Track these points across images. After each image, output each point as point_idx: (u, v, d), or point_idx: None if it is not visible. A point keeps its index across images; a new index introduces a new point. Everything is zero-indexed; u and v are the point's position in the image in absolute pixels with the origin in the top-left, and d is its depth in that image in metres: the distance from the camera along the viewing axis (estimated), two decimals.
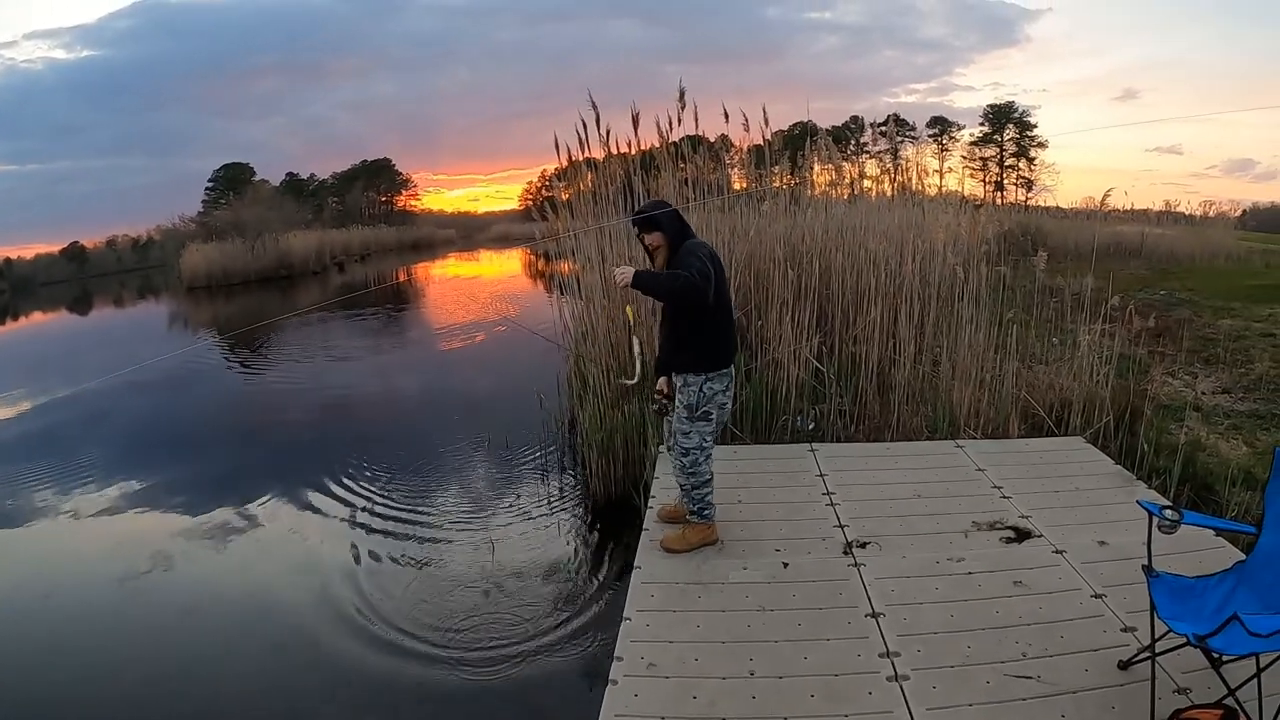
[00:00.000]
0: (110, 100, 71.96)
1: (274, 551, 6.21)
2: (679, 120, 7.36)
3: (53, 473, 8.34)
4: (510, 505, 6.68)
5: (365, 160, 64.85)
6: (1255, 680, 2.57)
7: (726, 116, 7.71)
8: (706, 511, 4.31)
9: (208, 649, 4.79)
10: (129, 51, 75.98)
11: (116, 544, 6.50)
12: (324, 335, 17.55)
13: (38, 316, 30.28)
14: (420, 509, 6.74)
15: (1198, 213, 26.01)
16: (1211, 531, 4.02)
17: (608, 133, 7.31)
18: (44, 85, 69.79)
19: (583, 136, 7.29)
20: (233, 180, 54.77)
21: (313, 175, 63.44)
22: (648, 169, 7.73)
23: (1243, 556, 3.17)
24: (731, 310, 4.36)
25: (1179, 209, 26.53)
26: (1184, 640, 2.67)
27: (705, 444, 4.17)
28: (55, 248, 50.47)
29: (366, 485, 7.31)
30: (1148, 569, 2.96)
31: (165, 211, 70.16)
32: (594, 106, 7.20)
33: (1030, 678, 3.05)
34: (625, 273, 3.89)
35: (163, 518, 7.00)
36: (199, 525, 6.74)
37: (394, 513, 6.69)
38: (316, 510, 6.86)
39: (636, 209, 4.28)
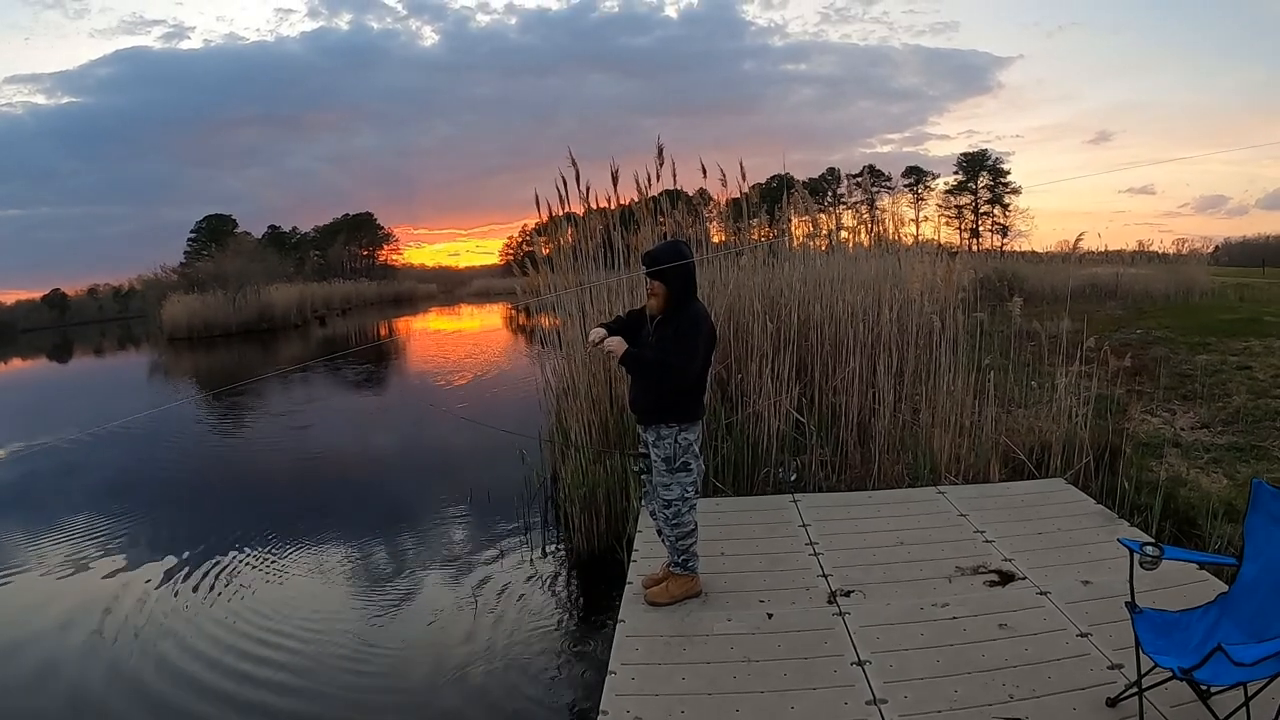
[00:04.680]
0: (91, 147, 73.26)
1: (246, 617, 5.91)
2: (658, 175, 7.46)
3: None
4: (492, 562, 6.58)
5: (347, 214, 65.99)
6: (1243, 709, 2.56)
7: (704, 172, 7.85)
8: (690, 563, 4.28)
9: None
10: (110, 99, 77.86)
11: (69, 604, 6.28)
12: (305, 390, 17.52)
13: (17, 363, 30.13)
14: (403, 565, 6.67)
15: (1171, 251, 26.58)
16: (1194, 565, 4.03)
17: (587, 189, 7.42)
18: (24, 130, 70.98)
19: (563, 192, 7.38)
20: (215, 231, 55.42)
21: (295, 228, 64.47)
22: (627, 224, 7.79)
23: (1225, 588, 3.18)
24: (708, 368, 4.38)
25: (1152, 248, 27.15)
26: (1170, 674, 2.65)
27: (687, 494, 4.16)
28: (36, 294, 50.95)
29: (346, 544, 7.23)
30: (1131, 605, 2.96)
31: (146, 261, 71.00)
32: (573, 162, 7.32)
33: (1019, 719, 3.01)
34: (614, 345, 4.02)
35: (118, 579, 6.77)
36: (160, 586, 6.52)
37: (375, 570, 6.62)
38: (290, 570, 6.72)
39: (650, 249, 4.23)
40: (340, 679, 4.94)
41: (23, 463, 11.65)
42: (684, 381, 3.98)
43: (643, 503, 5.47)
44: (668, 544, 4.28)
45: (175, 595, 6.36)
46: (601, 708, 3.33)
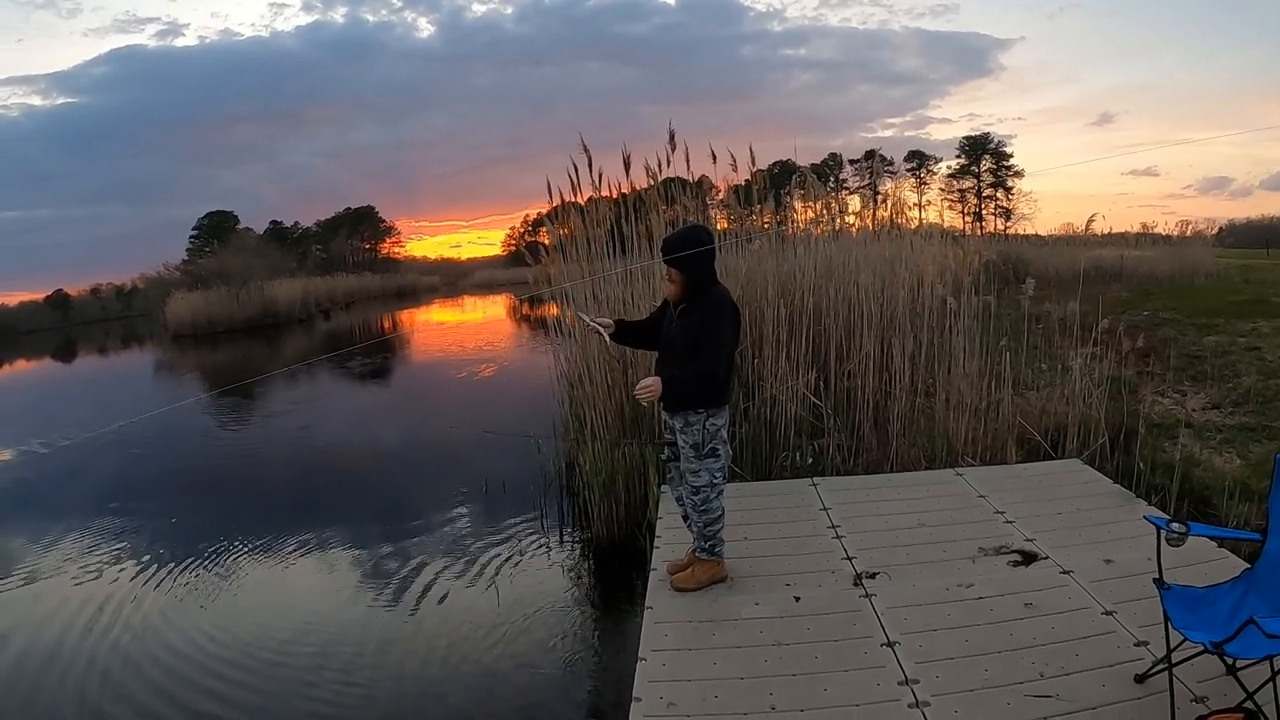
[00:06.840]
0: (89, 148, 73.28)
1: (267, 614, 5.99)
2: (669, 162, 7.47)
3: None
4: (512, 553, 6.64)
5: (348, 207, 66.24)
6: (1271, 683, 2.62)
7: (714, 157, 7.84)
8: (717, 548, 4.32)
9: None
10: (106, 99, 77.57)
11: (81, 606, 6.26)
12: (312, 385, 17.54)
13: (21, 364, 30.18)
14: (421, 559, 6.71)
15: (1175, 233, 26.42)
16: (1214, 543, 4.10)
17: (600, 175, 7.42)
18: (21, 132, 70.78)
19: (574, 178, 7.39)
20: (217, 228, 55.58)
21: (296, 223, 64.77)
22: (638, 211, 7.79)
23: (1246, 565, 3.23)
24: (735, 350, 4.39)
25: (1156, 230, 26.95)
26: (1198, 651, 2.71)
27: (715, 480, 4.17)
28: (38, 295, 50.85)
29: (363, 540, 7.27)
30: (1159, 582, 3.00)
31: (147, 259, 71.05)
32: (585, 149, 7.32)
33: (1049, 696, 3.07)
34: (654, 386, 3.94)
35: (133, 579, 6.74)
36: (176, 584, 6.56)
37: (392, 565, 6.66)
38: (306, 567, 6.81)
39: (668, 236, 4.22)
40: (360, 672, 4.99)
41: (26, 466, 11.73)
42: (720, 370, 3.98)
43: (663, 488, 5.53)
44: (694, 530, 4.32)
45: (191, 591, 6.43)
46: (635, 695, 3.37)
